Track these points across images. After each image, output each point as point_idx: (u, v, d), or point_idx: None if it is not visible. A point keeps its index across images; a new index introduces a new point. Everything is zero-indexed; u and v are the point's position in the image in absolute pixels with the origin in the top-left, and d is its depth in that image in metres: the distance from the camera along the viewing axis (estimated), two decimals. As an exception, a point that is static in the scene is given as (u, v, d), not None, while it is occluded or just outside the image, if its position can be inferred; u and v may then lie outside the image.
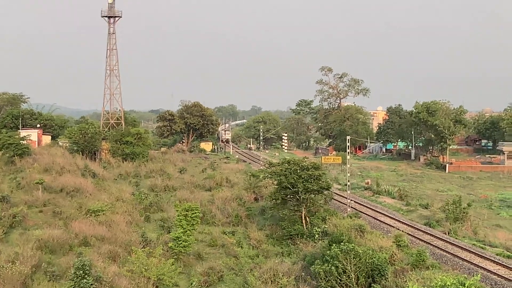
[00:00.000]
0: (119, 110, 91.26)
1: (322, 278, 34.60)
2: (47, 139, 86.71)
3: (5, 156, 69.08)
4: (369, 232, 46.74)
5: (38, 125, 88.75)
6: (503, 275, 35.74)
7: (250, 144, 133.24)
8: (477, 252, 42.18)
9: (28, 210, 52.26)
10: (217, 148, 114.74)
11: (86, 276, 33.66)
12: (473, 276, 29.50)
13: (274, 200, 51.35)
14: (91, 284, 33.45)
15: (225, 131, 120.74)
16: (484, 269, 37.39)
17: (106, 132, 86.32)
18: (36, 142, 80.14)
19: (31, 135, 79.83)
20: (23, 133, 76.94)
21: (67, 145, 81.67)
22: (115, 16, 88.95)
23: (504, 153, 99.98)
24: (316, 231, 46.39)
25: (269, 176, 54.29)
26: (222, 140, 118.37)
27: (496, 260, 39.86)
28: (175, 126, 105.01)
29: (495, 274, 36.25)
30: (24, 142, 70.36)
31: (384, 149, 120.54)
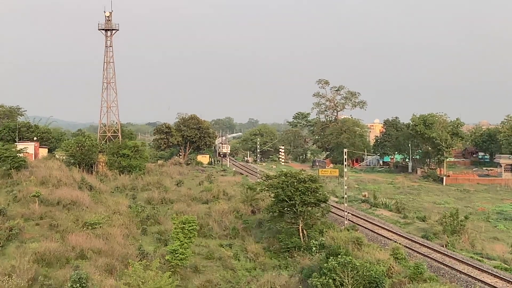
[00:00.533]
0: (116, 123, 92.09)
1: None
2: (44, 152, 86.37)
3: (1, 169, 67.76)
4: (367, 244, 47.18)
5: (35, 138, 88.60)
6: (499, 287, 37.18)
7: (247, 157, 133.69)
8: (474, 265, 42.26)
9: (24, 223, 51.68)
10: (214, 161, 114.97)
11: None
12: None
13: (271, 212, 51.98)
14: None
15: (222, 144, 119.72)
16: (482, 281, 37.57)
17: (103, 145, 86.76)
18: (33, 155, 79.87)
19: (28, 148, 79.33)
20: (19, 146, 76.31)
21: (64, 158, 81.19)
22: (112, 29, 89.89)
23: (501, 166, 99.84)
24: (314, 243, 46.68)
25: (266, 188, 54.47)
26: (219, 154, 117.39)
27: (494, 273, 39.83)
28: (172, 139, 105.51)
29: (492, 286, 36.22)
30: (21, 155, 69.65)
31: (381, 162, 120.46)
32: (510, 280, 37.99)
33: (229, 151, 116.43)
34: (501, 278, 38.37)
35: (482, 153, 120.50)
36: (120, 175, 78.95)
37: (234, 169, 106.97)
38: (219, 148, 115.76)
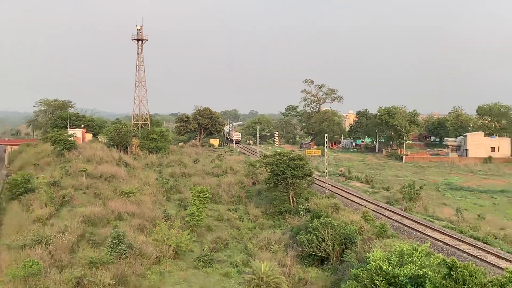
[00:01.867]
0: (146, 113, 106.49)
1: (305, 245, 41.03)
2: (89, 136, 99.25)
3: (56, 150, 76.56)
4: (342, 209, 53.50)
5: (82, 125, 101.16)
6: (448, 243, 42.19)
7: (249, 140, 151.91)
8: (427, 225, 49.07)
9: (74, 192, 58.74)
10: (223, 143, 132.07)
11: (120, 243, 38.98)
12: (424, 243, 34.33)
13: (268, 184, 59.46)
14: (124, 250, 38.47)
15: (234, 132, 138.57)
16: (433, 238, 43.63)
17: (135, 130, 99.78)
18: (81, 139, 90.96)
19: (77, 133, 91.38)
20: (70, 131, 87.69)
21: (105, 141, 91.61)
22: (143, 40, 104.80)
23: (448, 147, 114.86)
24: (301, 208, 54.35)
25: (264, 165, 62.10)
26: (227, 138, 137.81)
27: (442, 231, 46.48)
28: (190, 126, 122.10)
29: (441, 242, 42.68)
30: (71, 138, 79.32)
31: (354, 144, 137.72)
32: (454, 236, 44.20)
33: (240, 138, 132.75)
34: (448, 235, 44.85)
35: (434, 137, 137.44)
36: (149, 154, 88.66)
37: (238, 150, 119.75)
38: (231, 135, 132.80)
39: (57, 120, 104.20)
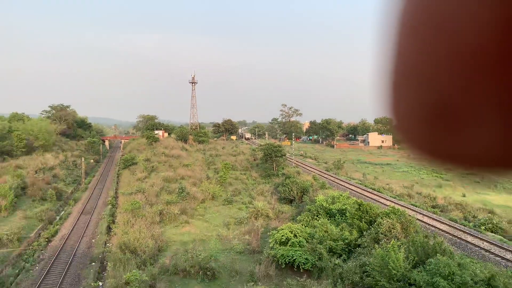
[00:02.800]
0: (197, 122, 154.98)
1: (282, 193, 53.30)
2: (166, 134, 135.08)
3: (148, 142, 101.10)
4: (302, 173, 66.70)
5: (162, 128, 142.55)
6: (358, 191, 54.61)
7: (252, 137, 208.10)
8: (347, 182, 62.48)
9: (158, 164, 76.90)
10: (238, 139, 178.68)
11: (183, 191, 52.85)
12: (345, 192, 48.29)
13: (262, 160, 76.97)
14: (185, 195, 52.54)
15: (245, 133, 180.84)
16: (350, 189, 55.81)
17: (191, 131, 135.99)
18: (161, 136, 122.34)
19: (159, 133, 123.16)
20: (156, 132, 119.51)
21: (175, 137, 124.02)
22: (195, 83, 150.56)
23: (358, 140, 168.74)
24: (280, 173, 70.10)
25: (260, 150, 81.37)
26: (241, 136, 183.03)
27: (355, 185, 59.77)
28: (220, 129, 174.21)
29: (355, 191, 54.53)
30: (156, 136, 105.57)
31: (308, 139, 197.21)
32: (362, 188, 58.14)
33: (249, 136, 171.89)
34: (358, 187, 57.92)
35: (352, 135, 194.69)
36: (198, 144, 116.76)
37: (246, 142, 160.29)
38: (244, 135, 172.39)
39: (149, 126, 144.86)
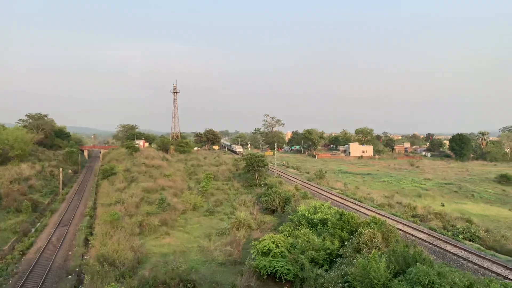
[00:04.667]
0: (178, 132, 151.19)
1: (264, 203, 54.25)
2: (146, 144, 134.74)
3: (128, 151, 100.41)
4: (284, 183, 67.66)
5: (142, 138, 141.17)
6: (339, 201, 55.43)
7: (236, 147, 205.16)
8: (329, 192, 62.81)
9: (138, 174, 75.84)
10: (220, 148, 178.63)
11: (163, 202, 52.73)
12: (327, 201, 49.27)
13: (244, 170, 76.07)
14: (166, 206, 52.13)
15: (237, 146, 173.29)
16: (332, 198, 56.70)
17: (172, 141, 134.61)
18: (142, 146, 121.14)
19: (140, 142, 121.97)
20: (136, 141, 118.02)
21: (155, 146, 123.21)
22: (177, 92, 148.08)
23: (339, 150, 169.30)
24: (262, 183, 69.84)
25: (242, 160, 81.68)
26: (223, 146, 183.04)
27: (337, 195, 60.15)
28: (202, 139, 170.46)
29: (336, 201, 55.51)
30: (136, 145, 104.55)
31: (291, 149, 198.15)
32: (343, 197, 58.53)
33: (242, 150, 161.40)
34: (340, 197, 58.56)
35: (333, 145, 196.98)
36: (179, 154, 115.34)
37: (229, 152, 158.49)
38: (234, 148, 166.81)
39: (129, 135, 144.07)
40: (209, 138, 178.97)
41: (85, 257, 34.64)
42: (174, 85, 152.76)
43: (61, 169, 72.53)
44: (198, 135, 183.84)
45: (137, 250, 36.96)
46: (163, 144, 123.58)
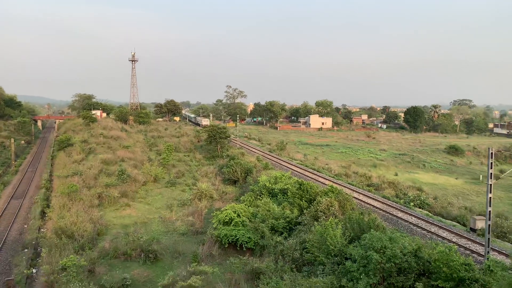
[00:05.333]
0: (137, 102, 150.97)
1: (226, 174, 54.90)
2: (104, 115, 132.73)
3: (85, 122, 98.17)
4: (246, 155, 68.63)
5: (100, 108, 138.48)
6: (299, 171, 56.25)
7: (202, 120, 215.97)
8: (289, 162, 64.02)
9: (96, 146, 74.94)
10: (182, 120, 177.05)
11: (123, 174, 51.85)
12: (287, 172, 49.66)
13: (206, 141, 75.44)
14: (125, 178, 51.53)
15: (203, 118, 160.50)
16: (292, 169, 57.13)
17: (131, 111, 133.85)
18: (99, 116, 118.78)
19: (97, 113, 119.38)
20: (93, 112, 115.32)
21: (113, 117, 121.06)
22: (135, 61, 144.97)
23: (300, 122, 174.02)
24: (224, 154, 69.88)
25: (204, 131, 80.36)
26: (185, 117, 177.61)
27: (297, 165, 61.37)
28: (163, 110, 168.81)
29: (296, 171, 56.31)
30: (94, 116, 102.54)
31: (253, 120, 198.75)
32: (303, 168, 59.71)
33: (208, 123, 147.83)
34: (300, 167, 59.40)
35: (294, 117, 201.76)
36: (139, 125, 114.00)
37: (190, 123, 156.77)
38: (200, 121, 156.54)
39: (86, 105, 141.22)
40: (170, 109, 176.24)
41: (42, 230, 33.89)
42: (133, 54, 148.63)
43: (12, 140, 69.05)
44: (158, 106, 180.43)
45: (96, 222, 36.62)
46: (121, 115, 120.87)
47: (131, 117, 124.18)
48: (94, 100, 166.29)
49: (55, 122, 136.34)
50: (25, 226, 35.84)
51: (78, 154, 66.89)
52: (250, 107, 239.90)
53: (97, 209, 41.29)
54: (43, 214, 39.27)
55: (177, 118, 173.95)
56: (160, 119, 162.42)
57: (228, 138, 75.71)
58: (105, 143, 77.01)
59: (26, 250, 29.80)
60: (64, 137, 76.90)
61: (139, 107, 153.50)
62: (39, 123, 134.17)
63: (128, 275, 25.71)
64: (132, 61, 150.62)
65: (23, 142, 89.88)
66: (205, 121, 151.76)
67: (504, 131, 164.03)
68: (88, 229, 33.70)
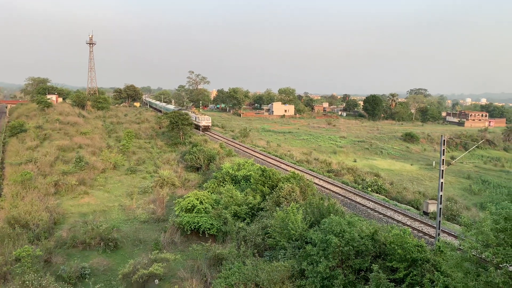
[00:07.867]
0: (95, 87, 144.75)
1: (188, 161, 54.18)
2: (60, 99, 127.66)
3: (40, 107, 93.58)
4: (209, 142, 68.34)
5: (55, 93, 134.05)
6: (262, 158, 56.73)
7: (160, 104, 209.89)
8: (252, 149, 64.20)
9: (52, 132, 72.42)
10: (142, 105, 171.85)
11: (81, 161, 50.85)
12: (250, 159, 49.89)
13: (168, 128, 73.70)
14: (83, 165, 50.43)
15: (200, 116, 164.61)
16: (255, 156, 57.49)
17: (89, 96, 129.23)
18: (55, 101, 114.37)
19: (52, 97, 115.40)
20: (48, 96, 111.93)
21: (70, 102, 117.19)
22: (93, 43, 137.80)
23: (263, 109, 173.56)
24: (187, 141, 69.13)
25: (166, 117, 78.34)
26: (150, 106, 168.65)
27: (260, 152, 61.76)
28: (122, 95, 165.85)
29: (259, 158, 56.80)
30: (49, 100, 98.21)
31: (216, 107, 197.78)
32: (266, 155, 60.08)
33: (210, 123, 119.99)
34: (263, 154, 59.86)
35: (257, 105, 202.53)
36: (97, 111, 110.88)
37: (151, 109, 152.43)
38: (197, 119, 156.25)
39: (40, 90, 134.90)
40: (130, 95, 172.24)
41: (-7, 220, 32.01)
42: (90, 36, 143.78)
43: (-41, 126, 64.31)
44: (118, 91, 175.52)
45: (53, 211, 35.47)
46: (79, 100, 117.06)
47: (89, 102, 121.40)
48: (49, 84, 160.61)
49: (6, 107, 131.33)
50: (-25, 216, 33.83)
51: (32, 141, 64.01)
52: (213, 93, 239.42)
53: (53, 198, 40.04)
54: (-6, 203, 36.73)
55: (137, 104, 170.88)
56: (119, 105, 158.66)
57: (191, 125, 75.52)
58: (62, 129, 74.50)
59: (-24, 241, 28.23)
60: (17, 122, 73.56)
61: (97, 92, 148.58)
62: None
63: (87, 264, 25.06)
64: (90, 44, 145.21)
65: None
66: (205, 121, 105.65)
67: (456, 120, 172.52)
68: (44, 218, 32.51)
